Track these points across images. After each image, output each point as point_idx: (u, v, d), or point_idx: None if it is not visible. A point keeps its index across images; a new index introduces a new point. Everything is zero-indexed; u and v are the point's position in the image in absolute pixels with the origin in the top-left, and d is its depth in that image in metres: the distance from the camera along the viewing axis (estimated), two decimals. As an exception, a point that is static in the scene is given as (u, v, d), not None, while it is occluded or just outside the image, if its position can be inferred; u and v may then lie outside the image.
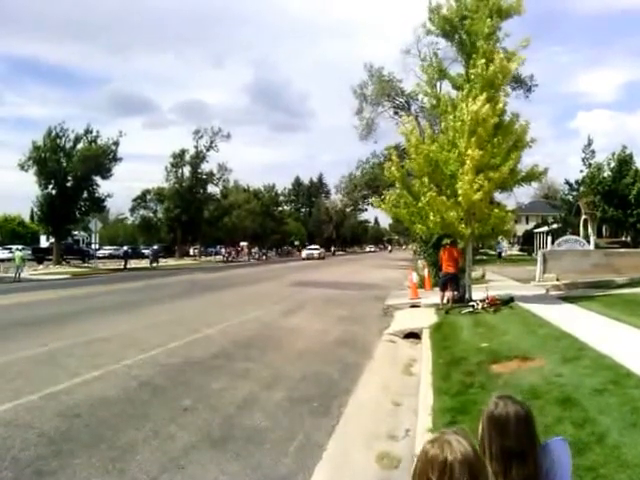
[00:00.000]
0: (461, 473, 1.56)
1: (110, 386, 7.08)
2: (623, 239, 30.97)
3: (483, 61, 12.92)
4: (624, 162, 30.87)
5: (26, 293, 20.10)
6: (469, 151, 12.47)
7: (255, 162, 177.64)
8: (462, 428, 1.75)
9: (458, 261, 14.38)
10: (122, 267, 39.87)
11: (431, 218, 13.21)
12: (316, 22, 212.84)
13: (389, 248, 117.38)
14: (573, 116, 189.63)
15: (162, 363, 8.47)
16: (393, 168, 14.01)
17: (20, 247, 37.83)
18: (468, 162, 12.45)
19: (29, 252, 43.95)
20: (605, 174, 31.58)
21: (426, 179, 13.64)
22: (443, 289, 14.18)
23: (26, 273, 30.16)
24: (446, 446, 1.61)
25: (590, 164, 33.75)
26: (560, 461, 1.96)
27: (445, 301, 13.91)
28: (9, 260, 33.75)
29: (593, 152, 34.32)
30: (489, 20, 13.30)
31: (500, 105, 13.04)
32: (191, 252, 66.53)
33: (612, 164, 31.60)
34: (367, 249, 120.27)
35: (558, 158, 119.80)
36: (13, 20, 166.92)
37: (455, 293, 14.22)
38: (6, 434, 5.27)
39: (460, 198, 12.82)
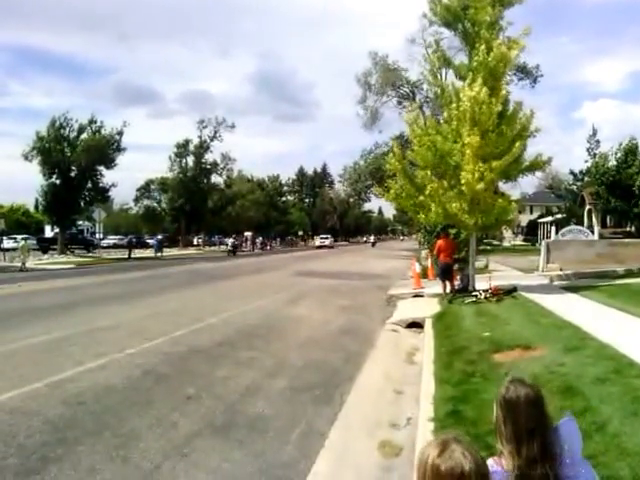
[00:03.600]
0: None
1: (114, 374, 7.14)
2: (627, 229, 30.88)
3: (483, 47, 12.84)
4: (630, 152, 30.65)
5: (31, 282, 20.19)
6: (467, 139, 12.42)
7: (259, 152, 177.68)
8: (461, 435, 1.74)
9: (454, 251, 14.55)
10: (126, 257, 40.00)
11: (433, 209, 13.20)
12: (322, 11, 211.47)
13: (371, 239, 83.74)
14: (579, 106, 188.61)
15: (166, 352, 8.51)
16: (394, 160, 13.98)
17: (25, 237, 37.94)
18: (468, 151, 12.41)
19: (34, 242, 44.09)
20: (610, 164, 31.40)
21: (428, 171, 13.59)
22: (443, 279, 14.25)
23: (31, 262, 30.28)
24: (459, 457, 1.57)
25: (595, 154, 33.59)
26: (571, 440, 2.06)
27: (448, 290, 13.95)
28: (14, 250, 33.86)
29: (598, 142, 34.17)
30: (490, 9, 13.19)
31: (503, 92, 12.94)
32: (195, 242, 66.69)
33: (618, 154, 31.39)
34: (318, 242, 72.61)
35: (563, 148, 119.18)
36: (18, 10, 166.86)
37: (457, 283, 14.30)
38: (12, 421, 5.33)
39: (464, 187, 12.79)
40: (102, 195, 44.07)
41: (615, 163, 31.14)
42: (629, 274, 16.22)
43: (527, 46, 13.83)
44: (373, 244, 76.91)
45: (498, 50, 12.69)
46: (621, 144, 31.41)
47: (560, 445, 2.00)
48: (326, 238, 73.93)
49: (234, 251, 47.44)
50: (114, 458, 4.57)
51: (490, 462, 2.05)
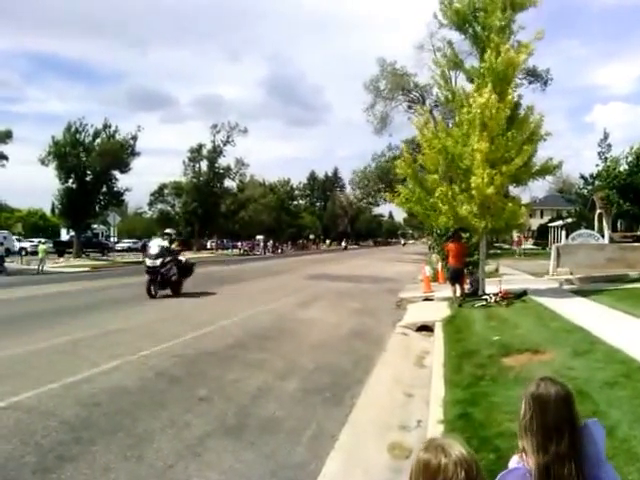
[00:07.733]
0: (454, 473, 1.57)
1: (128, 376, 7.24)
2: (638, 233, 30.55)
3: (489, 52, 12.85)
4: (643, 156, 30.27)
5: (48, 285, 20.40)
6: (476, 145, 12.44)
7: (271, 156, 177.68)
8: (454, 435, 1.80)
9: (465, 255, 14.58)
10: (140, 260, 40.25)
11: (443, 212, 13.23)
12: (332, 16, 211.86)
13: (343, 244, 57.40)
14: (589, 109, 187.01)
15: (178, 354, 8.61)
16: (404, 164, 14.04)
17: (43, 240, 38.38)
18: (478, 156, 12.44)
19: (51, 245, 44.57)
20: (622, 168, 31.07)
21: (436, 176, 13.62)
22: (453, 283, 14.28)
23: (47, 266, 30.62)
24: (439, 450, 1.62)
25: (606, 158, 33.23)
26: (597, 440, 2.06)
27: (458, 294, 13.96)
28: (32, 253, 34.28)
29: (609, 146, 33.75)
30: (499, 13, 13.18)
31: (510, 97, 12.92)
32: (208, 245, 67.08)
33: (629, 158, 31.06)
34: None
35: (574, 152, 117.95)
36: (33, 16, 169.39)
37: (467, 287, 14.31)
38: (29, 420, 5.44)
39: (474, 192, 12.81)
40: (117, 199, 44.61)
41: (627, 167, 30.81)
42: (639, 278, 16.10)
43: (537, 49, 13.79)
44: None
45: (506, 55, 12.69)
46: (632, 147, 31.09)
47: (587, 444, 2.01)
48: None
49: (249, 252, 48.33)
50: (128, 457, 4.65)
51: (515, 459, 2.07)
